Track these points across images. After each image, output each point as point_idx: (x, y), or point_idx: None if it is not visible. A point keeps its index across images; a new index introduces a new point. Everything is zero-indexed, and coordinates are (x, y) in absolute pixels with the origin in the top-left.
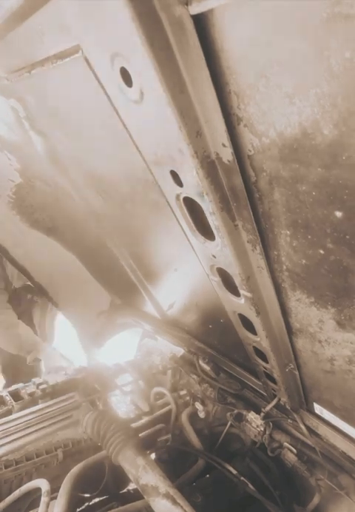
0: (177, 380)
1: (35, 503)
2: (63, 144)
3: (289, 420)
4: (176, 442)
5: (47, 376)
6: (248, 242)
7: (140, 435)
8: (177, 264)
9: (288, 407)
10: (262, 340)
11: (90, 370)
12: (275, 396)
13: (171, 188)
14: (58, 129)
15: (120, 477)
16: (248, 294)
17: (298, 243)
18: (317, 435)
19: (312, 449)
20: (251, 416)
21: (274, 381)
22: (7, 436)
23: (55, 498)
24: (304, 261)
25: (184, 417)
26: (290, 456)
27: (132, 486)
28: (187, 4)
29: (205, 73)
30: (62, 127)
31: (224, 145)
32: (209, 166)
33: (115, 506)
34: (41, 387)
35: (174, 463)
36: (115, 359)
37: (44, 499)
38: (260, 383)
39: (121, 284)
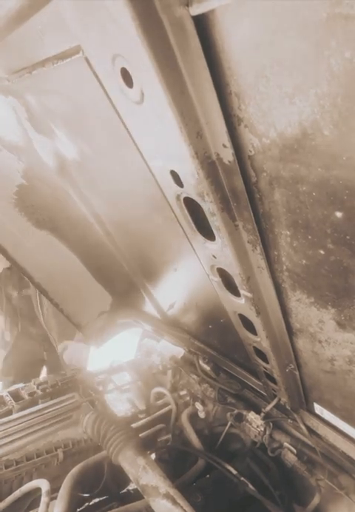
0: (177, 380)
1: (36, 503)
2: (63, 145)
3: (289, 420)
4: (176, 442)
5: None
6: (248, 242)
7: (140, 435)
8: (177, 264)
9: (288, 407)
10: (262, 340)
11: (90, 370)
12: (275, 396)
13: (171, 188)
14: (58, 130)
15: (120, 477)
16: (249, 294)
17: (298, 243)
18: (317, 435)
19: (312, 449)
20: (251, 416)
21: (274, 381)
22: (7, 436)
23: (55, 498)
24: (304, 261)
25: (184, 417)
26: (290, 456)
27: (132, 486)
28: (188, 5)
29: (206, 74)
30: (63, 128)
31: (225, 146)
32: (210, 166)
33: (115, 506)
34: (41, 387)
35: (175, 463)
36: (115, 359)
37: (44, 499)
38: (260, 383)
39: (122, 284)
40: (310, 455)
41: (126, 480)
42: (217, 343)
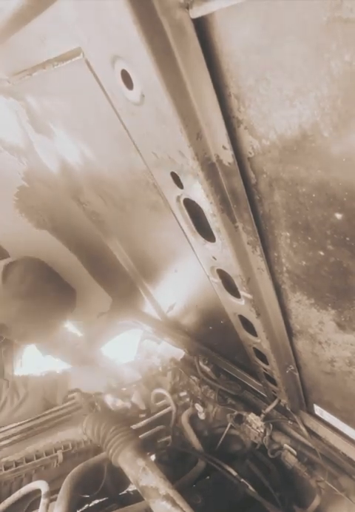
0: (177, 382)
1: (35, 505)
2: (64, 146)
3: (289, 422)
4: (176, 443)
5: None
6: (248, 243)
7: (140, 436)
8: (177, 265)
9: (288, 408)
10: (262, 342)
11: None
12: (275, 397)
13: (171, 190)
14: (58, 132)
15: (120, 479)
16: (249, 296)
17: (298, 244)
18: (317, 436)
19: (312, 451)
20: (251, 417)
21: (274, 382)
22: (6, 437)
23: (55, 500)
24: (304, 263)
25: (184, 419)
26: (290, 458)
27: (131, 488)
28: (188, 8)
29: (206, 76)
30: (63, 129)
31: (224, 147)
32: (210, 168)
33: (115, 508)
34: None
35: (174, 465)
36: (115, 360)
37: (43, 501)
38: (260, 385)
39: (122, 285)
40: (311, 456)
41: (125, 482)
42: (217, 345)
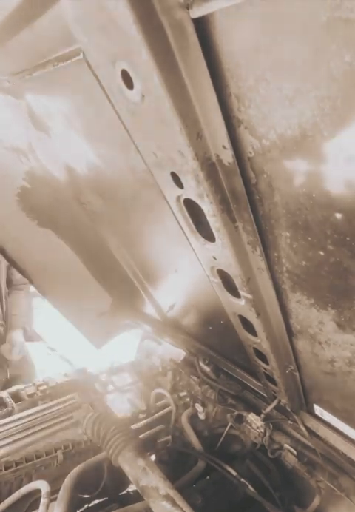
0: (177, 382)
1: (35, 505)
2: (64, 146)
3: (289, 422)
4: (176, 443)
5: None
6: (248, 243)
7: (140, 436)
8: (177, 265)
9: (288, 408)
10: (262, 342)
11: (90, 371)
12: (275, 397)
13: (171, 190)
14: (59, 131)
15: (120, 479)
16: (249, 296)
17: (298, 244)
18: (317, 436)
19: (312, 450)
20: (251, 417)
21: (274, 382)
22: (7, 437)
23: (55, 499)
24: (304, 263)
25: (184, 419)
26: (290, 458)
27: (131, 487)
28: (188, 8)
29: (206, 76)
30: (63, 129)
31: (224, 147)
32: (210, 168)
33: (115, 508)
34: (41, 388)
35: (174, 465)
36: (116, 360)
37: (43, 501)
38: (260, 385)
39: (122, 285)
40: (311, 456)
41: (125, 481)
42: (217, 344)
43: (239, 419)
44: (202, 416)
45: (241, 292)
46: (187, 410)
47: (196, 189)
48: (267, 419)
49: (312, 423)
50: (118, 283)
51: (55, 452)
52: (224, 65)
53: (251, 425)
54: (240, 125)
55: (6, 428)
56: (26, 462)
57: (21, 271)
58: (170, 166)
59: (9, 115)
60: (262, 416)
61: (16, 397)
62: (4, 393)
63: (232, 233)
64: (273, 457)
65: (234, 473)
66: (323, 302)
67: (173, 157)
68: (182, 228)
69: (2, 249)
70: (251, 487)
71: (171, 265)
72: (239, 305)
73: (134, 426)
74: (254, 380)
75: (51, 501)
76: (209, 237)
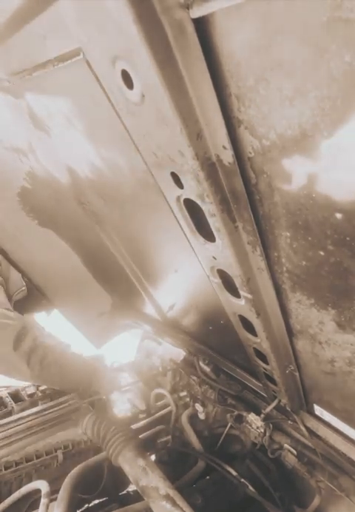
0: (177, 382)
1: (35, 505)
2: (64, 146)
3: (289, 422)
4: (176, 443)
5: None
6: (248, 243)
7: (140, 436)
8: (177, 265)
9: (288, 408)
10: (262, 342)
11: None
12: (275, 397)
13: (171, 190)
14: (59, 131)
15: (120, 479)
16: (249, 296)
17: (298, 244)
18: (317, 436)
19: (312, 450)
20: (251, 417)
21: (274, 382)
22: (6, 437)
23: (55, 499)
24: (304, 263)
25: (184, 419)
26: (290, 458)
27: (131, 487)
28: (188, 8)
29: (206, 76)
30: (63, 129)
31: (225, 147)
32: (210, 168)
33: (115, 508)
34: (41, 388)
35: (174, 465)
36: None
37: (43, 501)
38: (260, 385)
39: (122, 285)
40: (311, 456)
41: (125, 481)
42: (217, 344)
43: (239, 419)
44: (202, 416)
45: (241, 292)
46: (187, 410)
47: (196, 189)
48: (267, 419)
49: (312, 423)
50: (118, 283)
51: (55, 452)
52: (224, 65)
53: (251, 425)
54: (240, 125)
55: (6, 428)
56: (26, 462)
57: (21, 271)
58: (170, 166)
59: (9, 115)
60: (262, 416)
61: (16, 397)
62: (4, 393)
63: (232, 233)
64: (273, 457)
65: (234, 473)
66: (323, 302)
67: (173, 157)
68: (182, 229)
69: (2, 249)
70: (251, 487)
71: (171, 265)
72: (239, 305)
73: (134, 426)
74: (254, 380)
75: (51, 501)
76: (209, 237)
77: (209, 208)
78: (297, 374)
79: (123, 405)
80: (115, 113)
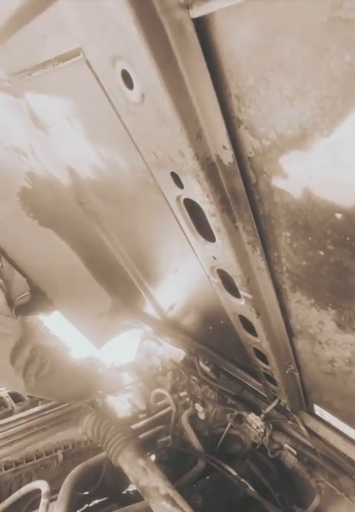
0: (177, 382)
1: (35, 504)
2: (64, 146)
3: (289, 422)
4: (176, 443)
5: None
6: (248, 243)
7: (140, 436)
8: (177, 265)
9: (288, 408)
10: (262, 342)
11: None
12: (275, 397)
13: (171, 190)
14: (59, 131)
15: (120, 478)
16: (249, 296)
17: (298, 244)
18: (317, 436)
19: (312, 450)
20: (251, 417)
21: (274, 382)
22: (7, 437)
23: (55, 499)
24: (304, 263)
25: (184, 419)
26: (290, 458)
27: (131, 487)
28: (188, 8)
29: (206, 76)
30: (63, 129)
31: (225, 147)
32: (210, 168)
33: (115, 507)
34: None
35: (174, 465)
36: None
37: (43, 501)
38: (260, 385)
39: (122, 285)
40: (311, 456)
41: (126, 481)
42: (217, 345)
43: (239, 419)
44: (202, 416)
45: (241, 292)
46: (187, 410)
47: (196, 188)
48: (267, 419)
49: (312, 423)
50: (118, 283)
51: (55, 452)
52: (224, 65)
53: (251, 425)
54: (240, 125)
55: (6, 428)
56: (27, 462)
57: (21, 271)
58: (170, 166)
59: (9, 115)
60: (262, 416)
61: (16, 397)
62: (4, 393)
63: (232, 233)
64: (273, 457)
65: (234, 473)
66: (323, 302)
67: (173, 157)
68: (182, 228)
69: (2, 249)
70: (251, 487)
71: (171, 266)
72: (239, 305)
73: (134, 426)
74: (254, 380)
75: (51, 501)
76: (209, 237)
77: (209, 208)
78: (297, 374)
79: (123, 405)
80: (115, 113)
